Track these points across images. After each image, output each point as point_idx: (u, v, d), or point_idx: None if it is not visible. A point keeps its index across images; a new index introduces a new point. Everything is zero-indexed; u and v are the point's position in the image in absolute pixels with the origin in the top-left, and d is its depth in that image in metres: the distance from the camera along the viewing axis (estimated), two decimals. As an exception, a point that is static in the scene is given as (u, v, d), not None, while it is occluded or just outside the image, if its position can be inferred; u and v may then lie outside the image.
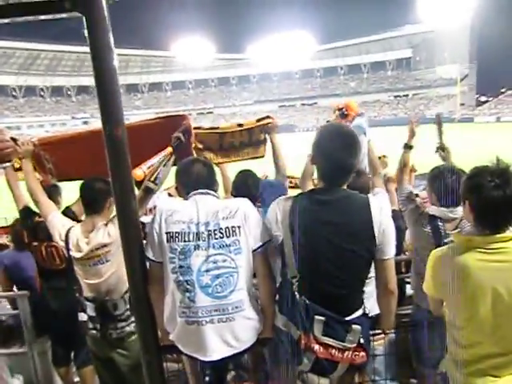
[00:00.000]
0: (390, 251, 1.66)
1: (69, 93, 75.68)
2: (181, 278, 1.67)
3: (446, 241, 2.16)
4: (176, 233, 1.69)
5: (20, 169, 2.65)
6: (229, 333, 1.68)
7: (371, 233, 1.59)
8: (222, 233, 1.68)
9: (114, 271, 2.19)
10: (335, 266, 1.60)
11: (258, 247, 1.73)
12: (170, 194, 3.17)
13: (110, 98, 1.41)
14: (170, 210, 1.74)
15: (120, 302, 2.23)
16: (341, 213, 1.62)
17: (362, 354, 1.60)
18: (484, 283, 1.47)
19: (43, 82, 71.91)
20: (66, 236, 2.23)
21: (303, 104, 75.41)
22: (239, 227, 1.70)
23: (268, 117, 2.92)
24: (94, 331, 2.25)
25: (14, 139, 2.44)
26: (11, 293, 2.97)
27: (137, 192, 2.85)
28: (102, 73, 1.37)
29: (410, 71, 75.83)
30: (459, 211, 2.20)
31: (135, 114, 59.36)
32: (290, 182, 3.56)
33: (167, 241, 1.69)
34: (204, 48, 72.71)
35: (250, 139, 2.97)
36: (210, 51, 74.59)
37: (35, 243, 2.77)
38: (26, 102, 69.48)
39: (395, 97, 71.05)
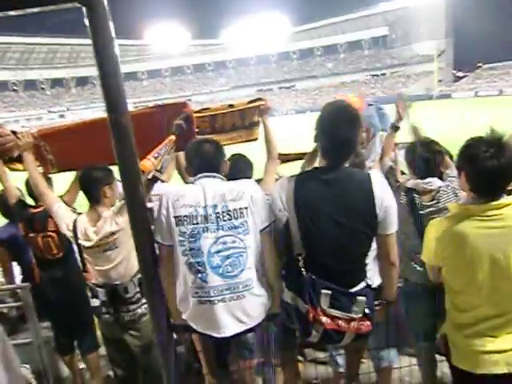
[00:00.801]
0: (391, 227, 1.72)
1: (43, 86, 73.57)
2: (192, 260, 1.73)
3: (422, 212, 2.23)
4: (184, 216, 1.74)
5: (13, 160, 2.63)
6: (240, 310, 1.75)
7: (373, 209, 1.65)
8: (230, 215, 1.74)
9: (123, 256, 2.25)
10: (339, 242, 1.66)
11: (265, 227, 1.80)
12: (162, 181, 3.14)
13: (113, 86, 1.41)
14: (176, 194, 1.79)
15: (130, 285, 2.29)
16: (343, 191, 1.67)
17: (367, 323, 1.68)
18: (481, 249, 1.54)
19: (15, 75, 69.60)
20: (74, 226, 2.27)
21: (281, 87, 74.98)
22: (246, 208, 1.75)
23: (260, 99, 2.84)
24: (108, 315, 2.31)
25: (14, 132, 2.43)
26: (14, 285, 3.00)
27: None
28: (104, 61, 1.38)
29: (386, 49, 75.96)
30: (434, 183, 2.26)
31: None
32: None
33: (176, 224, 1.75)
34: (178, 34, 71.46)
35: (243, 122, 2.90)
36: (184, 38, 73.38)
37: (32, 234, 2.77)
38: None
39: (372, 76, 71.13)
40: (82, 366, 3.18)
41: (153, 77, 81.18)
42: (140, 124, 2.18)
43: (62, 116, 63.20)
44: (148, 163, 1.92)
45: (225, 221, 1.73)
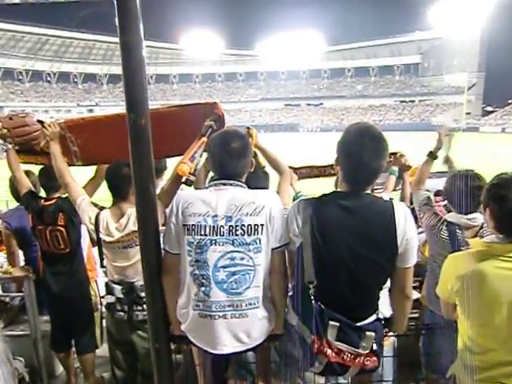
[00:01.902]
0: (411, 260, 1.64)
1: (75, 80, 75.71)
2: (197, 272, 1.65)
3: (463, 248, 2.13)
4: (192, 225, 1.64)
5: (20, 151, 2.64)
6: (241, 329, 1.68)
7: (394, 242, 1.56)
8: (243, 230, 1.61)
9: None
10: (354, 273, 1.57)
11: (278, 246, 1.70)
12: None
13: (136, 87, 1.39)
14: (187, 201, 1.68)
15: None
16: (364, 220, 1.57)
17: (374, 358, 1.60)
18: (501, 291, 1.47)
19: (50, 67, 71.99)
20: (96, 219, 2.25)
21: (309, 104, 75.17)
22: (262, 225, 1.62)
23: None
24: (122, 313, 2.28)
25: (40, 122, 2.44)
26: (17, 275, 2.95)
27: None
28: (130, 61, 1.36)
29: (417, 77, 75.72)
30: (478, 219, 2.18)
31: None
32: (318, 172, 3.30)
33: (185, 233, 1.66)
34: (213, 42, 72.61)
35: None
36: (218, 46, 74.54)
37: (40, 227, 2.73)
38: (32, 87, 69.51)
39: (401, 102, 70.77)
40: (76, 364, 3.12)
41: (183, 81, 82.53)
42: (168, 121, 2.22)
43: (90, 111, 64.75)
44: (185, 167, 1.88)
45: (237, 235, 1.61)
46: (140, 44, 1.33)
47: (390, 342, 2.17)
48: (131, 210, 2.23)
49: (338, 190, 1.69)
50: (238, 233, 1.61)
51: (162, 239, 1.72)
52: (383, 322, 1.76)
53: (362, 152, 1.54)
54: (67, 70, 74.10)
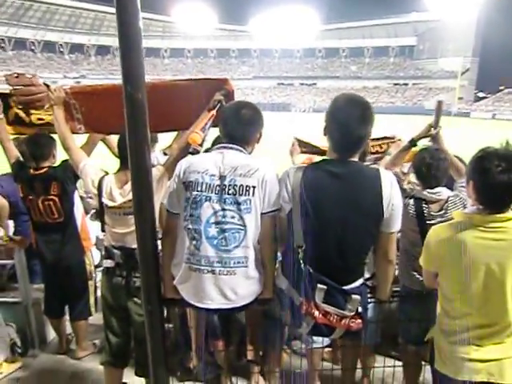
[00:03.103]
0: (395, 225, 1.71)
1: (61, 50, 73.15)
2: (190, 226, 1.72)
3: (429, 222, 2.20)
4: (190, 182, 1.73)
5: (10, 122, 2.64)
6: (228, 286, 1.73)
7: (380, 208, 1.63)
8: (235, 189, 1.70)
9: None
10: (342, 237, 1.64)
11: (269, 211, 1.75)
12: (165, 153, 3.15)
13: (133, 59, 1.39)
14: (189, 161, 1.80)
15: None
16: (351, 185, 1.63)
17: (359, 321, 1.67)
18: (479, 259, 1.56)
19: (35, 35, 69.35)
20: (99, 183, 2.24)
21: (302, 84, 74.41)
22: (254, 187, 1.70)
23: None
24: (120, 278, 2.29)
25: (46, 85, 2.44)
26: (9, 243, 2.96)
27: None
28: (127, 33, 1.35)
29: (412, 60, 75.22)
30: (443, 192, 2.26)
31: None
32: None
33: (183, 189, 1.75)
34: (206, 16, 70.73)
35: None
36: (211, 20, 72.69)
37: (31, 197, 2.70)
38: (15, 56, 67.06)
39: (394, 84, 70.41)
40: (68, 331, 3.17)
41: (175, 56, 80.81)
42: (177, 94, 2.27)
43: (77, 83, 62.87)
44: (197, 137, 1.96)
45: (229, 195, 1.70)
46: (137, 16, 1.33)
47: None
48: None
49: (327, 157, 1.75)
50: (230, 192, 1.69)
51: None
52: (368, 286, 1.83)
53: (348, 119, 1.61)
54: (53, 39, 71.45)
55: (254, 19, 74.70)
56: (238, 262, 1.73)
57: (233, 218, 1.70)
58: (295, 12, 70.11)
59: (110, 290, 2.35)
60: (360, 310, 1.67)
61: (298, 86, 73.79)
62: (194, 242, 1.72)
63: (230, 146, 1.78)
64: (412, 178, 2.53)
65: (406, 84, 69.91)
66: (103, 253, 2.45)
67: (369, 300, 1.85)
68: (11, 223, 3.37)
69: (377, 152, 3.26)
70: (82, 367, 2.96)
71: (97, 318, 2.92)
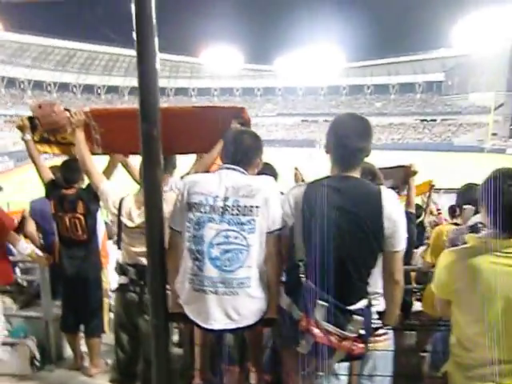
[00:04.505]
0: (399, 244, 1.68)
1: (99, 91, 78.12)
2: (193, 247, 1.74)
3: None
4: (194, 203, 1.76)
5: (37, 142, 2.84)
6: (231, 306, 1.73)
7: (380, 223, 1.62)
8: (239, 210, 1.72)
9: None
10: (342, 252, 1.62)
11: (274, 230, 1.76)
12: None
13: (149, 98, 1.52)
14: (193, 181, 1.83)
15: None
16: (352, 200, 1.65)
17: (361, 345, 1.61)
18: (496, 287, 1.46)
19: (76, 79, 74.66)
20: (120, 204, 2.36)
21: (326, 120, 74.48)
22: (257, 207, 1.72)
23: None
24: (134, 294, 2.35)
25: (67, 110, 2.63)
26: (35, 260, 3.17)
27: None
28: (144, 73, 1.49)
29: (440, 95, 74.52)
30: None
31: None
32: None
33: (187, 210, 1.78)
34: (232, 57, 73.54)
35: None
36: (238, 60, 75.42)
37: (60, 213, 2.94)
38: (59, 98, 71.83)
39: (422, 121, 69.45)
40: (83, 349, 3.26)
41: (202, 94, 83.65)
42: (195, 119, 2.40)
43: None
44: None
45: (232, 215, 1.72)
46: (154, 57, 1.47)
47: (387, 343, 2.08)
48: None
49: (329, 174, 1.78)
50: (233, 212, 1.72)
51: None
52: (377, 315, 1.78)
53: (346, 132, 1.69)
54: (92, 82, 76.55)
55: (279, 59, 77.03)
56: (241, 283, 1.72)
57: (236, 238, 1.71)
58: (320, 51, 71.53)
59: (123, 306, 2.42)
60: (363, 332, 1.60)
61: (322, 123, 73.99)
62: (197, 263, 1.73)
63: (233, 167, 1.83)
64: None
65: (433, 120, 68.84)
66: (118, 271, 2.51)
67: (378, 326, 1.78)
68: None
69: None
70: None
71: (110, 338, 2.99)
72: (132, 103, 75.44)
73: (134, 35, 1.40)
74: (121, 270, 2.42)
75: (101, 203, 2.84)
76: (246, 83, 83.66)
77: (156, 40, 1.43)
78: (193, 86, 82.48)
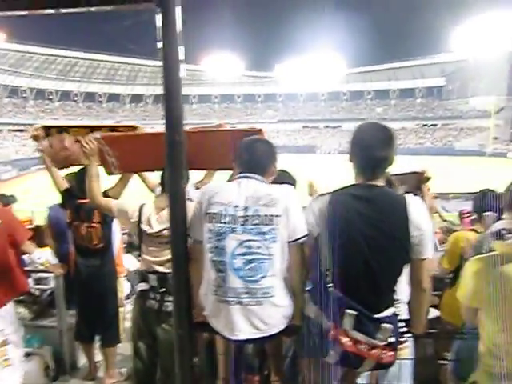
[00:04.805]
0: (427, 251, 1.67)
1: (100, 99, 78.28)
2: (215, 258, 1.73)
3: None
4: (214, 214, 1.75)
5: None
6: (256, 316, 1.71)
7: (408, 231, 1.61)
8: (260, 220, 1.70)
9: None
10: (370, 260, 1.61)
11: (296, 239, 1.74)
12: (197, 188, 3.19)
13: (174, 105, 1.53)
14: (212, 191, 1.81)
15: None
16: (379, 209, 1.64)
17: (390, 353, 1.60)
18: None
19: (78, 87, 74.94)
20: (140, 211, 2.37)
21: (327, 126, 74.79)
22: (278, 216, 1.70)
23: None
24: (153, 301, 2.33)
25: (78, 141, 2.61)
26: (49, 272, 3.22)
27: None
28: (169, 83, 1.50)
29: (440, 100, 74.59)
30: None
31: (160, 123, 59.69)
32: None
33: (207, 221, 1.76)
34: (233, 64, 73.70)
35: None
36: (238, 68, 75.59)
37: (76, 223, 2.95)
38: (61, 106, 72.50)
39: (423, 125, 69.50)
40: (98, 358, 3.25)
41: (203, 101, 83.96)
42: (211, 141, 2.44)
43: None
44: None
45: (253, 225, 1.70)
46: (178, 66, 1.50)
47: (407, 351, 2.09)
48: None
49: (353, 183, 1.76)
50: (254, 222, 1.70)
51: None
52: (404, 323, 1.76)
53: (370, 141, 1.68)
54: (93, 90, 76.82)
55: (279, 65, 77.14)
56: (266, 293, 1.71)
57: (259, 248, 1.69)
58: (320, 57, 71.78)
59: (142, 313, 2.40)
60: (392, 340, 1.60)
61: (322, 129, 74.26)
62: (221, 274, 1.71)
63: (251, 175, 1.81)
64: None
65: (434, 125, 68.89)
66: (135, 281, 2.53)
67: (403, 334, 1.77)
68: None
69: None
70: (108, 395, 2.97)
71: (124, 347, 3.01)
72: (132, 111, 75.79)
73: (160, 45, 1.42)
74: (141, 277, 2.43)
75: (118, 221, 2.83)
76: (247, 90, 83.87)
77: (181, 49, 1.46)
78: (193, 93, 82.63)
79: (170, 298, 2.25)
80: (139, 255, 2.46)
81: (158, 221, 2.31)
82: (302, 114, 79.02)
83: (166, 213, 2.29)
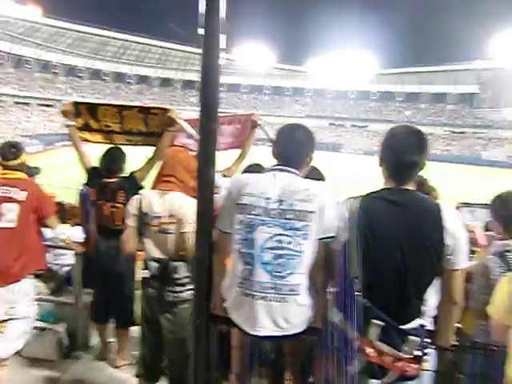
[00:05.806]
0: (461, 261, 1.61)
1: (129, 81, 79.04)
2: (243, 250, 1.69)
3: None
4: (245, 204, 1.70)
5: (79, 128, 2.99)
6: (279, 314, 1.67)
7: (442, 239, 1.56)
8: (295, 214, 1.65)
9: (175, 242, 2.30)
10: (401, 269, 1.56)
11: (326, 237, 1.70)
12: (224, 175, 3.26)
13: (211, 93, 1.52)
14: (243, 181, 1.77)
15: (181, 266, 2.28)
16: (411, 214, 1.59)
17: (416, 366, 1.54)
18: None
19: (108, 67, 75.98)
20: (140, 202, 2.38)
21: (354, 125, 73.77)
22: (313, 213, 1.65)
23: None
24: (153, 290, 2.32)
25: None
26: (70, 249, 3.28)
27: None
28: (208, 69, 1.50)
29: (471, 108, 72.37)
30: None
31: (188, 109, 60.52)
32: None
33: (237, 212, 1.72)
34: (264, 56, 73.39)
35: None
36: (270, 60, 75.22)
37: (100, 202, 2.94)
38: (90, 85, 73.43)
39: (452, 132, 67.62)
40: (111, 339, 3.26)
41: (231, 91, 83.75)
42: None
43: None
44: None
45: (287, 219, 1.65)
46: (218, 55, 1.49)
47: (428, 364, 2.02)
48: (176, 194, 2.32)
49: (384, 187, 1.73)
50: (288, 217, 1.65)
51: None
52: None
53: (403, 144, 1.65)
54: (123, 70, 77.69)
55: (310, 60, 76.42)
56: (292, 290, 1.66)
57: (289, 243, 1.64)
58: (353, 55, 70.65)
59: (146, 301, 2.40)
60: (418, 353, 1.53)
61: (349, 128, 73.25)
62: (248, 267, 1.67)
63: (287, 168, 1.76)
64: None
65: (462, 132, 66.97)
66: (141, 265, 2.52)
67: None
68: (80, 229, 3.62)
69: None
70: (119, 376, 3.01)
71: (138, 330, 2.93)
72: (160, 95, 76.24)
73: (201, 31, 1.42)
74: (144, 264, 2.43)
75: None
76: (276, 82, 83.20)
77: (222, 36, 1.45)
78: (222, 81, 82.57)
79: (170, 288, 2.26)
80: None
81: (160, 205, 2.30)
82: (330, 111, 78.07)
83: (169, 197, 2.30)
